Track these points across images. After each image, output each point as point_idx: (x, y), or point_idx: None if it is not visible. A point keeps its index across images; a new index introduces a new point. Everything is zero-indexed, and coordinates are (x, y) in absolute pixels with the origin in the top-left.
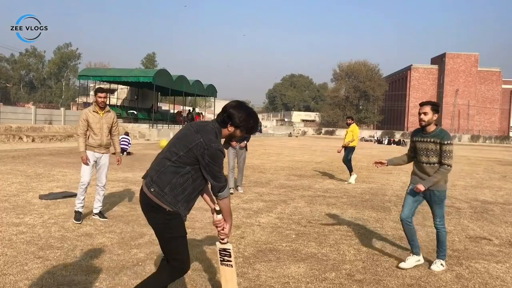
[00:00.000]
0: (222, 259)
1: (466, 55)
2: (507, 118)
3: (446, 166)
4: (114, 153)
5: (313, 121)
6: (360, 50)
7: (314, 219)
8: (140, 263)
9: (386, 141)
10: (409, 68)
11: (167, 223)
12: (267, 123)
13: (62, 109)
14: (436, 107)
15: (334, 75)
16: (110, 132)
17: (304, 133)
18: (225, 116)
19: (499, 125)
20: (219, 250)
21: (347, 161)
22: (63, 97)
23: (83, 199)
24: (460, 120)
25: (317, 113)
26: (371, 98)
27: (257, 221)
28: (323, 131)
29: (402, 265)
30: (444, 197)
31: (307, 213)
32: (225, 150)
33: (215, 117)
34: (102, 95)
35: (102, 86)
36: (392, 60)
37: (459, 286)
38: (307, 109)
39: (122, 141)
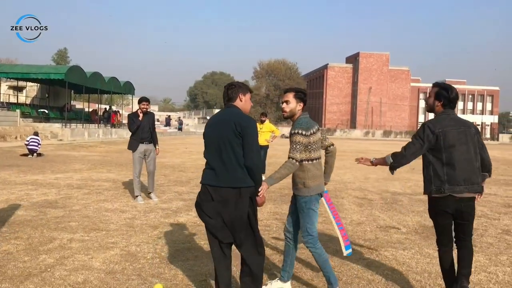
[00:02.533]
0: None
1: (378, 55)
2: (415, 114)
3: (289, 159)
4: None
5: None
6: (279, 49)
7: None
8: (49, 269)
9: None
10: (325, 67)
11: None
12: (189, 121)
13: None
14: (301, 94)
15: (254, 73)
16: None
17: None
18: None
19: (409, 120)
20: None
21: (263, 160)
22: None
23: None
24: (374, 116)
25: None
26: None
27: (176, 221)
28: None
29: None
30: (306, 205)
31: None
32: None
33: None
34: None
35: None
36: (310, 59)
37: (369, 274)
38: None
39: (32, 141)
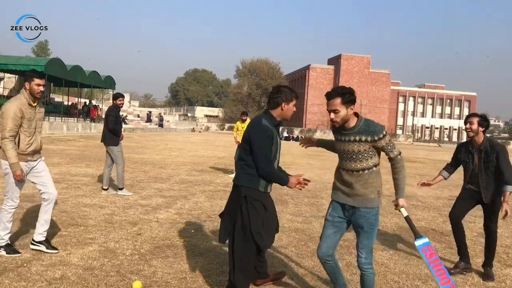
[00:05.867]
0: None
1: (360, 57)
2: (394, 117)
3: (399, 157)
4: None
5: (216, 116)
6: (262, 48)
7: (214, 213)
8: (26, 264)
9: (283, 137)
10: (307, 68)
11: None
12: (170, 117)
13: None
14: (350, 96)
15: (237, 71)
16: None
17: (208, 128)
18: None
19: (388, 123)
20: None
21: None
22: None
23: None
24: None
25: (221, 108)
26: None
27: (156, 217)
28: (226, 126)
29: None
30: (377, 219)
31: (207, 208)
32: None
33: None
34: (41, 82)
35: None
36: (292, 60)
37: (348, 273)
38: (211, 104)
39: None
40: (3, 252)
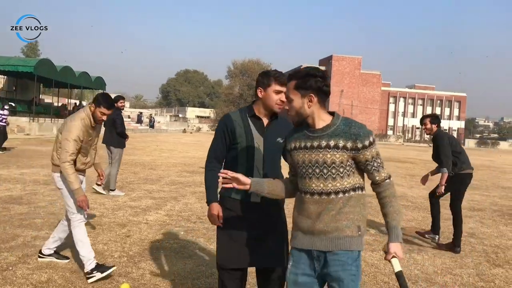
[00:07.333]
0: None
1: (351, 58)
2: (385, 118)
3: (387, 181)
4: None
5: (208, 117)
6: (254, 49)
7: (204, 215)
8: (11, 268)
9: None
10: (299, 69)
11: None
12: (161, 118)
13: None
14: (311, 80)
15: (228, 72)
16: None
17: (199, 129)
18: None
19: (379, 124)
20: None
21: None
22: None
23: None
24: None
25: (212, 109)
26: None
27: (145, 219)
28: None
29: None
30: (359, 265)
31: (197, 210)
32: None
33: None
34: (108, 112)
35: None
36: (284, 61)
37: None
38: (202, 105)
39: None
40: (98, 275)
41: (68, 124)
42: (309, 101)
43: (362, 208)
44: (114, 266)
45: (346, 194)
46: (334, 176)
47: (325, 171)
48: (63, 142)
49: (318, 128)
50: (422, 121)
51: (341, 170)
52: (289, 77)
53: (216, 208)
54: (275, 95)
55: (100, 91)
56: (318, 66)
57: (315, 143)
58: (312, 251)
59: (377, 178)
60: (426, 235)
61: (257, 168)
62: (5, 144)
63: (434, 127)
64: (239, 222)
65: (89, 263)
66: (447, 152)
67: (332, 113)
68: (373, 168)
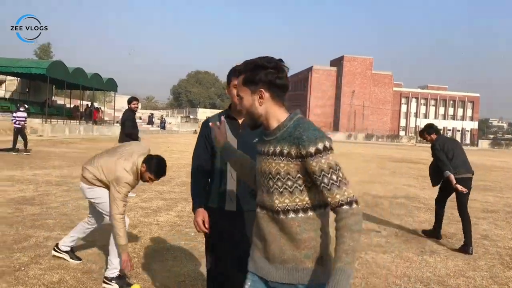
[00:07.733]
0: None
1: (362, 59)
2: (397, 119)
3: (346, 207)
4: None
5: None
6: (265, 49)
7: None
8: (23, 268)
9: None
10: (310, 69)
11: None
12: (172, 119)
13: None
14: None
15: None
16: None
17: None
18: None
19: (390, 124)
20: None
21: None
22: None
23: None
24: (356, 119)
25: (223, 110)
26: None
27: (156, 220)
28: None
29: None
30: None
31: None
32: None
33: None
34: (154, 179)
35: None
36: (295, 61)
37: None
38: (213, 106)
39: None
40: (116, 287)
41: (123, 176)
42: (259, 97)
43: (324, 233)
44: (134, 284)
45: (301, 215)
46: (280, 190)
47: (270, 183)
48: (115, 194)
49: (272, 130)
50: (421, 137)
51: (289, 183)
52: (237, 71)
53: (201, 215)
54: (235, 90)
55: (112, 93)
56: (329, 67)
57: (266, 149)
58: (268, 282)
59: (329, 199)
60: (429, 235)
61: (230, 173)
62: (20, 145)
63: (433, 136)
64: (214, 230)
65: (114, 272)
66: (440, 157)
67: (295, 113)
68: (323, 185)
